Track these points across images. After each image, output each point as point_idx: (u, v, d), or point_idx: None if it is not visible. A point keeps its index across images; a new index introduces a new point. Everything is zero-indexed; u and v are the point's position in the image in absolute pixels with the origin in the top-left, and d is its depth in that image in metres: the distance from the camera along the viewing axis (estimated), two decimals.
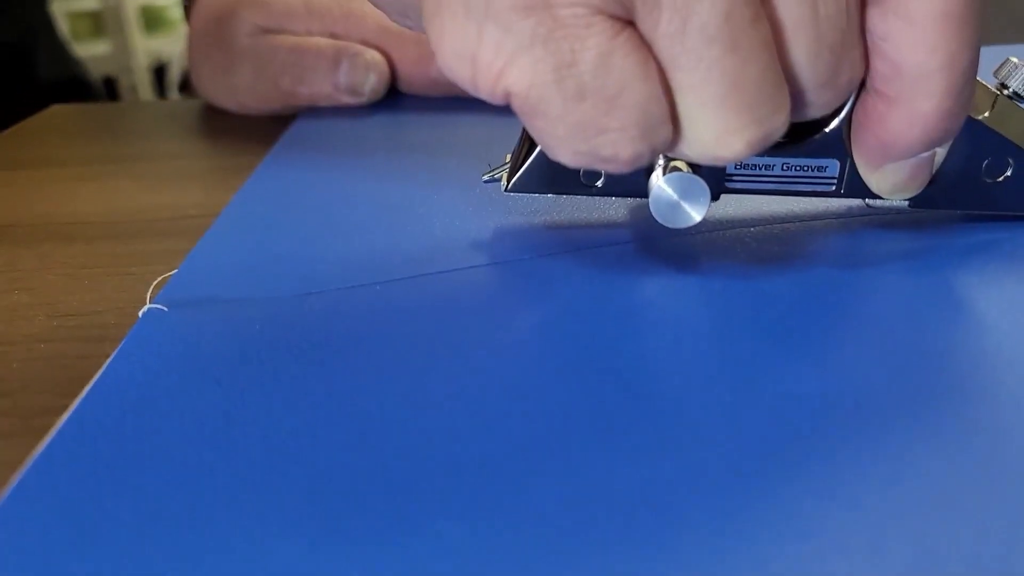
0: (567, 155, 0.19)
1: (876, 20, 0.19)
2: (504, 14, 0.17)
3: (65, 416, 0.18)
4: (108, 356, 0.20)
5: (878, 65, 0.20)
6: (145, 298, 0.23)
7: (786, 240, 0.25)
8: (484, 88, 0.18)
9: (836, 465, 0.16)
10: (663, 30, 0.17)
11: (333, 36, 0.44)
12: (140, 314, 0.22)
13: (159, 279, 0.24)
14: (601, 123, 0.18)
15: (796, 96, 0.19)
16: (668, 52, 0.18)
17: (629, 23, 0.18)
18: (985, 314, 0.21)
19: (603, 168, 0.19)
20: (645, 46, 0.18)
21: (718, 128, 0.18)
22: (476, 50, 0.18)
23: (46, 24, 0.78)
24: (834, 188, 0.24)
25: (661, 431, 0.17)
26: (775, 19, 0.18)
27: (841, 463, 0.16)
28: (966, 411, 0.17)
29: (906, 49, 0.19)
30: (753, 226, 0.26)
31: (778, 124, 0.19)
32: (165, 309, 0.22)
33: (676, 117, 0.19)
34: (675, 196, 0.22)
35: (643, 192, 0.23)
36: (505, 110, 0.19)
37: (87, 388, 0.19)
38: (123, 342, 0.21)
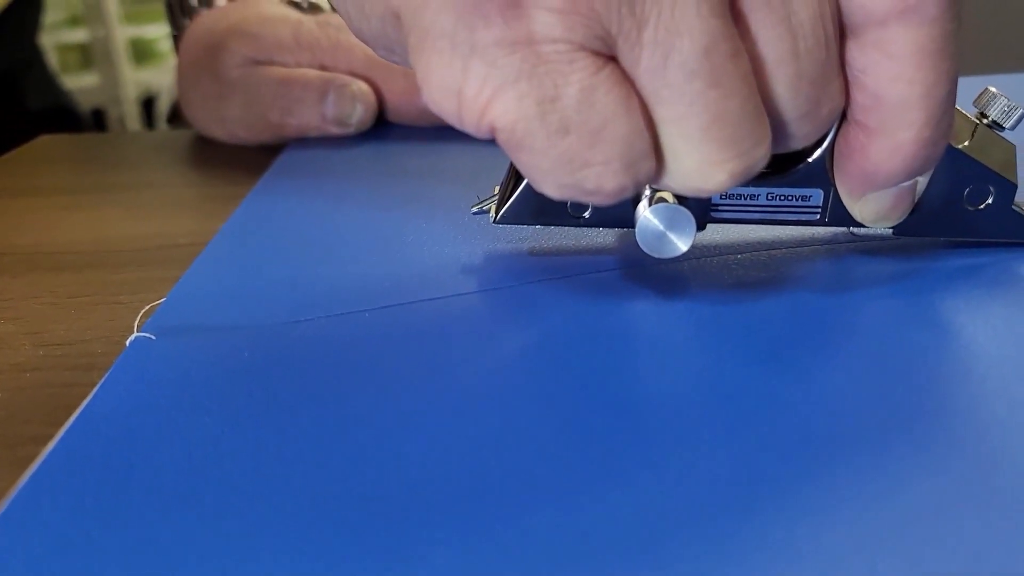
0: (552, 188, 0.19)
1: (855, 53, 0.20)
2: (489, 50, 0.18)
3: (51, 445, 0.18)
4: (95, 385, 0.20)
5: (858, 97, 0.20)
6: (133, 326, 0.23)
7: (772, 266, 0.25)
8: (469, 122, 0.19)
9: (827, 487, 0.16)
10: (645, 65, 0.18)
11: (322, 68, 0.44)
12: (127, 342, 0.22)
13: (147, 307, 0.24)
14: (585, 157, 0.18)
15: (777, 128, 0.20)
16: (650, 87, 0.18)
17: (611, 59, 0.18)
18: (971, 337, 0.21)
19: (588, 200, 0.19)
20: (628, 81, 0.18)
21: (700, 161, 0.19)
22: (461, 85, 0.18)
23: (36, 55, 0.79)
24: (818, 217, 0.24)
25: (651, 455, 0.17)
26: (755, 53, 0.18)
27: (832, 484, 0.16)
28: (954, 432, 0.17)
29: (885, 82, 0.19)
30: (740, 252, 0.26)
31: (760, 156, 0.19)
32: (153, 337, 0.22)
33: (659, 150, 0.19)
34: (661, 227, 0.22)
35: (630, 223, 0.23)
36: (492, 141, 0.19)
37: (74, 417, 0.19)
38: (110, 370, 0.21)
